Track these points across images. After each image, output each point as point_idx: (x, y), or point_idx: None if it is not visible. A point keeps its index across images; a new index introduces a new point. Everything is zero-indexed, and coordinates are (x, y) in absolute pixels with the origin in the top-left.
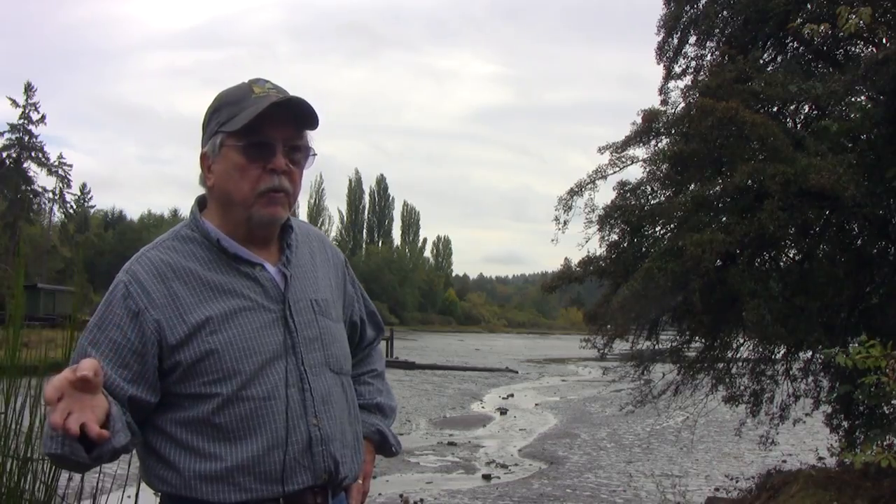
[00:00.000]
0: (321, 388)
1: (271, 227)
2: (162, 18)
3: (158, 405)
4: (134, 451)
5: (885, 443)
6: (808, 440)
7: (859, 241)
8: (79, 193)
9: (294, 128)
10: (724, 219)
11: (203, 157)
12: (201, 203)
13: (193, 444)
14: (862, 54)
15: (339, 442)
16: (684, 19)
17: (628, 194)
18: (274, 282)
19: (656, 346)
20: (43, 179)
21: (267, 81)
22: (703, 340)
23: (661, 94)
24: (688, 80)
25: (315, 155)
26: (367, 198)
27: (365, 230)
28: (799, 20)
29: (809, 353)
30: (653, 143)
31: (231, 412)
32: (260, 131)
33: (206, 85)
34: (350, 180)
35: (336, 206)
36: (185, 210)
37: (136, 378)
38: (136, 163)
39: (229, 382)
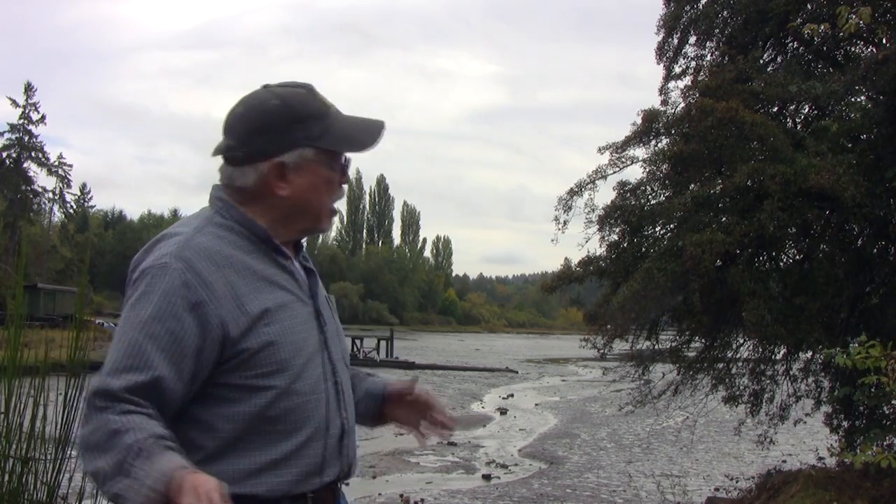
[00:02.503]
0: (344, 381)
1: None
2: (158, 20)
3: (203, 399)
4: None
5: (885, 443)
6: (808, 440)
7: (859, 242)
8: (79, 193)
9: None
10: (724, 219)
11: (279, 166)
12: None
13: (244, 438)
14: (862, 54)
15: (355, 434)
16: (684, 19)
17: (628, 194)
18: (303, 276)
19: (656, 346)
20: (43, 179)
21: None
22: (702, 340)
23: (661, 95)
24: (688, 80)
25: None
26: (366, 198)
27: (365, 230)
28: (799, 20)
29: (809, 353)
30: (653, 143)
31: (282, 406)
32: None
33: (200, 84)
34: (350, 180)
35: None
36: (185, 209)
37: (189, 374)
38: (133, 162)
39: (283, 375)
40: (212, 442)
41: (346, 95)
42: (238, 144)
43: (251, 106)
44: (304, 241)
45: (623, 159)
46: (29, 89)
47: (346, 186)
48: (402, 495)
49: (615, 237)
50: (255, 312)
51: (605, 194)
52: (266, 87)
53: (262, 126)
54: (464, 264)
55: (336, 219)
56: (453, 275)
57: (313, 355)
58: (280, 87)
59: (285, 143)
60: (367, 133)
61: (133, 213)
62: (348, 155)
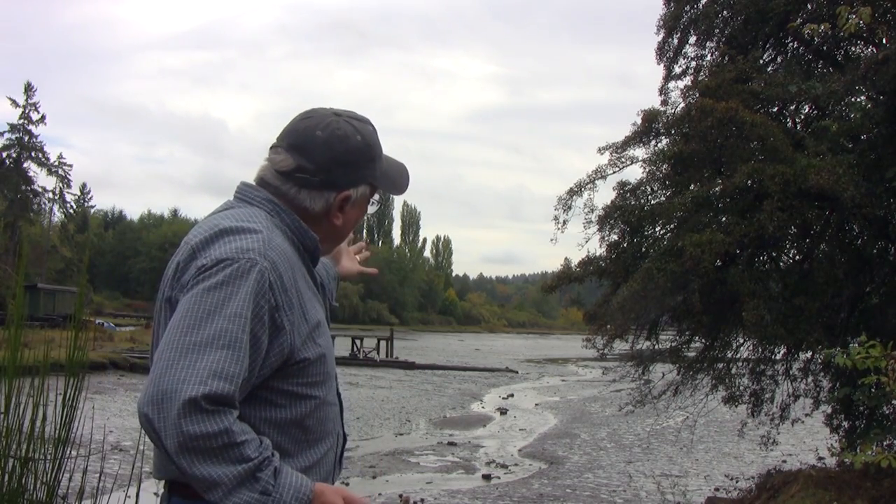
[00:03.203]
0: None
1: None
2: (156, 21)
3: (251, 401)
4: (148, 448)
5: (885, 443)
6: (808, 440)
7: (859, 242)
8: (79, 193)
9: None
10: (723, 219)
11: (346, 199)
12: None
13: (279, 444)
14: (862, 54)
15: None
16: (684, 19)
17: (628, 194)
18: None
19: (656, 346)
20: (43, 179)
21: None
22: (702, 340)
23: (661, 95)
24: (688, 80)
25: None
26: None
27: (365, 230)
28: (799, 20)
29: (809, 353)
30: (653, 143)
31: (317, 415)
32: None
33: (198, 85)
34: None
35: None
36: (185, 209)
37: (253, 378)
38: (131, 162)
39: (323, 386)
40: None
41: (345, 95)
42: (317, 170)
43: (336, 137)
44: None
45: (623, 159)
46: (29, 89)
47: None
48: (401, 495)
49: (615, 237)
50: (312, 322)
51: (604, 194)
52: (337, 114)
53: (346, 161)
54: (464, 264)
55: None
56: (453, 275)
57: (334, 368)
58: (355, 121)
59: (357, 178)
60: (403, 178)
61: (131, 212)
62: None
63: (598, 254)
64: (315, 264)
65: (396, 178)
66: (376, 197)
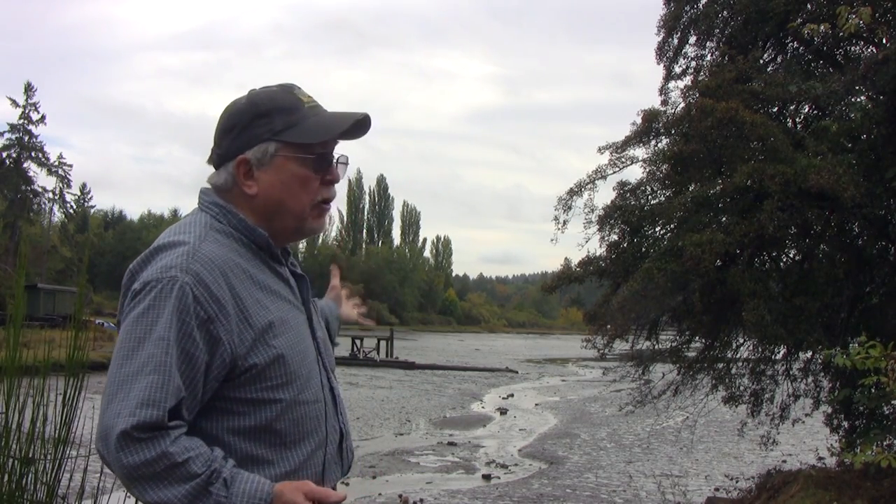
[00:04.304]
0: (336, 387)
1: (312, 237)
2: (154, 22)
3: (209, 413)
4: None
5: (885, 443)
6: (808, 440)
7: (859, 242)
8: (79, 193)
9: (339, 139)
10: (723, 219)
11: (243, 163)
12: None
13: (252, 452)
14: (862, 54)
15: (350, 436)
16: (684, 19)
17: (628, 194)
18: (293, 282)
19: (656, 346)
20: (43, 179)
21: (300, 87)
22: (702, 340)
23: (661, 95)
24: (688, 80)
25: (347, 164)
26: (366, 198)
27: (365, 230)
28: (799, 20)
29: (809, 353)
30: (653, 143)
31: (289, 417)
32: (323, 144)
33: (196, 84)
34: (350, 180)
35: (334, 205)
36: (183, 209)
37: (200, 392)
38: (130, 162)
39: (290, 387)
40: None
41: (343, 95)
42: (215, 147)
43: (225, 111)
44: (289, 248)
45: (623, 159)
46: (29, 89)
47: (334, 185)
48: (401, 495)
49: (615, 237)
50: (260, 326)
51: (604, 194)
52: (250, 91)
53: (230, 125)
54: (463, 264)
55: (336, 218)
56: (453, 275)
57: (313, 363)
58: (255, 90)
59: (248, 139)
60: (338, 122)
61: (131, 212)
62: (341, 151)
63: (598, 254)
64: (276, 260)
65: (327, 123)
66: (331, 156)
